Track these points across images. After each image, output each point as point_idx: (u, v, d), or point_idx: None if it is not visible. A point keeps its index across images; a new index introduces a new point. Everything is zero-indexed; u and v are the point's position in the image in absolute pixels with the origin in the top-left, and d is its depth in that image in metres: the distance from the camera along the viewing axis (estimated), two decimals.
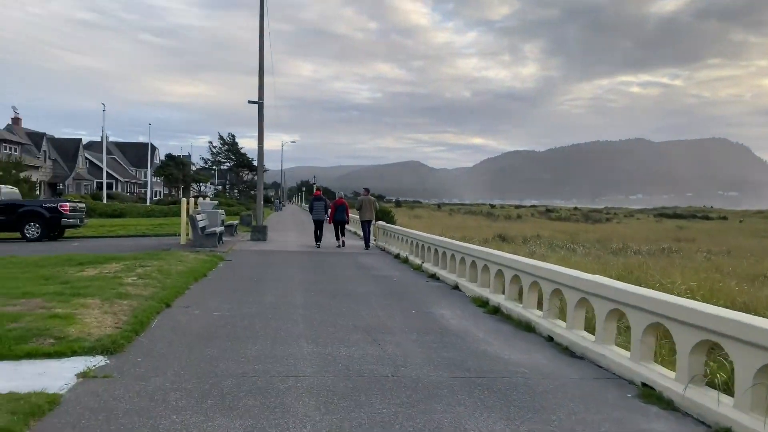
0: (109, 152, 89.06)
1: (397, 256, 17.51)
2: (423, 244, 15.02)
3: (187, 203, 19.10)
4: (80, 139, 64.61)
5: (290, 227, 33.77)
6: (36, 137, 56.82)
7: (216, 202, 21.82)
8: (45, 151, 57.79)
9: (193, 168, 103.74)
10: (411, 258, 15.96)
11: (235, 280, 11.73)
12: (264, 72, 22.53)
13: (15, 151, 48.82)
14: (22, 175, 39.39)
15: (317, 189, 25.19)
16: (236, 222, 26.19)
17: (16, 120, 58.35)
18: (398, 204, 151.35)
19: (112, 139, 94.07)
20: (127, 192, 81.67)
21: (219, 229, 18.64)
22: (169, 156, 76.73)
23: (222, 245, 18.84)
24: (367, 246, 20.67)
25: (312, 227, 22.11)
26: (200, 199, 23.05)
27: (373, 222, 21.50)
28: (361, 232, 23.07)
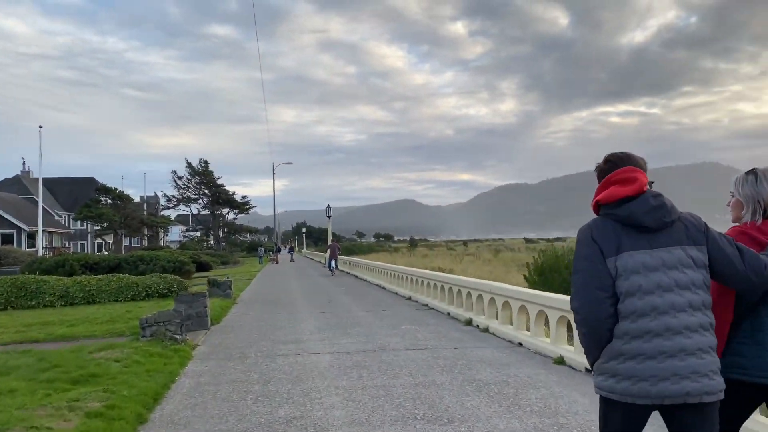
0: (26, 192, 63.17)
1: None
2: None
3: None
4: None
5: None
6: None
7: None
8: None
9: (163, 212, 77.86)
10: None
11: None
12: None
13: None
14: None
15: None
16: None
17: None
18: (413, 244, 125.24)
19: (36, 175, 68.07)
20: (45, 247, 55.36)
21: None
22: (102, 190, 50.65)
23: None
24: None
25: None
26: None
27: None
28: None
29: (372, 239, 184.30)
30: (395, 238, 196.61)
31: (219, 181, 73.10)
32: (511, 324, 9.26)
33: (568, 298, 7.88)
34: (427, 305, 13.94)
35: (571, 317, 7.31)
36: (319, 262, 48.98)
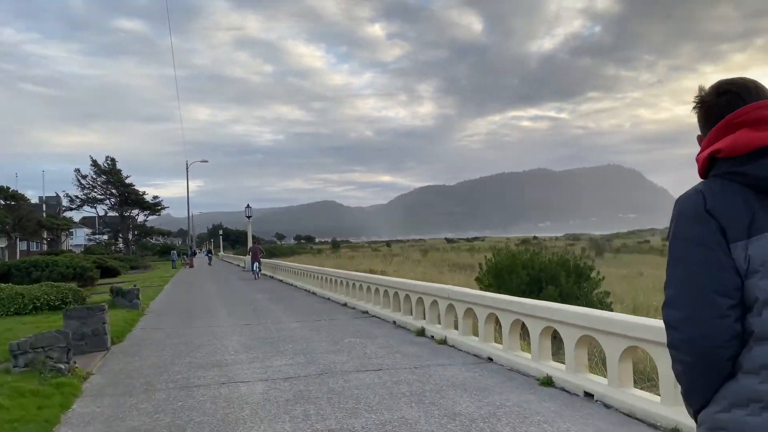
0: None
1: None
2: None
3: None
4: None
5: None
6: None
7: None
8: None
9: (66, 213, 71.95)
10: None
11: None
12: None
13: None
14: None
15: None
16: None
17: None
18: (336, 245, 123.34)
19: None
20: None
21: None
22: None
23: None
24: None
25: None
26: None
27: None
28: None
29: (292, 241, 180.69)
30: (316, 240, 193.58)
31: (128, 181, 68.23)
32: (475, 335, 7.99)
33: (556, 306, 6.61)
34: (367, 312, 12.48)
35: (559, 328, 6.08)
36: (238, 265, 46.43)
